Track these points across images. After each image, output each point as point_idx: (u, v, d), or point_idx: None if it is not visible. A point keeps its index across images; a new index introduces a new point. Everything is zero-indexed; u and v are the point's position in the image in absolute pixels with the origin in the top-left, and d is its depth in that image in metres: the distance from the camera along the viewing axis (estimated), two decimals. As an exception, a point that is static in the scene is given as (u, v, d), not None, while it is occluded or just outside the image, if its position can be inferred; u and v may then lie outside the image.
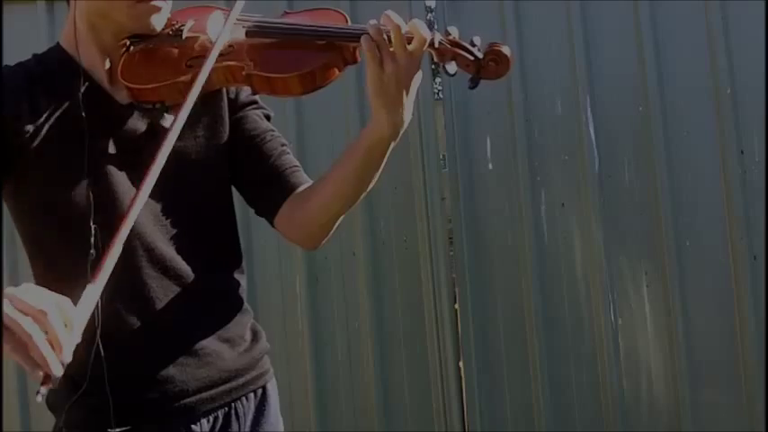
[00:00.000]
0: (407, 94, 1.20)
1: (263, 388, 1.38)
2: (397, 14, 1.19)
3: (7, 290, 0.95)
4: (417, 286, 2.73)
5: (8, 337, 0.92)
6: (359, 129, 2.73)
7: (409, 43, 1.18)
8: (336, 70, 1.25)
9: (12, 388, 2.67)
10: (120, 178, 1.25)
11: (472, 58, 1.20)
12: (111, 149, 1.26)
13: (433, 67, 2.86)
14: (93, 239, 1.19)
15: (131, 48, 1.27)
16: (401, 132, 1.24)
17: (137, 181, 1.25)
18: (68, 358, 0.93)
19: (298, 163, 1.42)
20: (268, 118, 1.44)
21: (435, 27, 2.85)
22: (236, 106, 1.39)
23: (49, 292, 0.97)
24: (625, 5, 2.73)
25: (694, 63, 2.71)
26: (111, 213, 1.22)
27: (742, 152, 2.69)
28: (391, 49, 1.17)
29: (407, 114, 1.22)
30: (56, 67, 1.28)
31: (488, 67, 1.21)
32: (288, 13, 1.34)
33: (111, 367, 1.21)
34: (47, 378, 0.91)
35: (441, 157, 2.81)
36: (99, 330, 1.19)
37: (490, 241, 2.75)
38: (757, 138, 2.68)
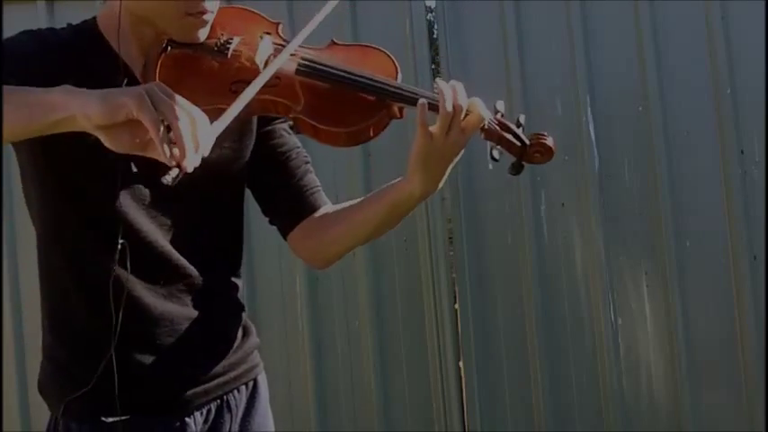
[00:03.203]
0: (448, 165, 1.22)
1: (254, 380, 1.41)
2: (464, 92, 1.19)
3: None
4: (417, 286, 2.73)
5: (155, 115, 0.93)
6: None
7: (463, 119, 1.19)
8: (382, 127, 1.23)
9: (12, 388, 2.67)
10: (141, 180, 1.24)
11: (519, 144, 1.22)
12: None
13: (433, 67, 2.86)
14: (117, 256, 1.19)
15: (169, 49, 1.23)
16: (429, 196, 1.26)
17: (158, 186, 1.26)
18: (197, 161, 0.96)
19: (319, 183, 1.43)
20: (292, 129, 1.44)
21: (436, 27, 2.85)
22: (265, 120, 1.39)
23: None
24: (625, 5, 2.73)
25: (694, 63, 2.71)
26: (131, 215, 1.23)
27: (742, 152, 2.69)
28: (449, 121, 1.17)
29: (441, 182, 1.24)
30: (93, 52, 1.24)
31: (533, 156, 1.25)
32: (335, 43, 1.30)
33: (108, 360, 1.22)
34: (179, 167, 0.94)
35: (441, 157, 2.80)
36: (118, 328, 1.19)
37: (490, 241, 2.75)
38: (757, 138, 2.68)
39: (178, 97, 0.98)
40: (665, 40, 2.72)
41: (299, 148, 1.43)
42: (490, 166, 2.75)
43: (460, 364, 2.74)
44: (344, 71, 1.22)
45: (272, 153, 1.39)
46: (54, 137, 1.04)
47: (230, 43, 1.24)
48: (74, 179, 1.23)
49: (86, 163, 1.20)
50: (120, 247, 1.19)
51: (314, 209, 1.39)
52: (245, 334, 1.42)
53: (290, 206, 1.40)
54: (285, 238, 1.43)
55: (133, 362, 1.26)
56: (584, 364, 2.71)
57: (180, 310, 1.30)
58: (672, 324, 2.68)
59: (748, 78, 2.68)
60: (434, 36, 2.95)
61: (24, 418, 2.70)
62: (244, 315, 1.43)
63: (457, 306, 2.76)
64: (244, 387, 1.39)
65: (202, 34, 1.25)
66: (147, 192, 1.26)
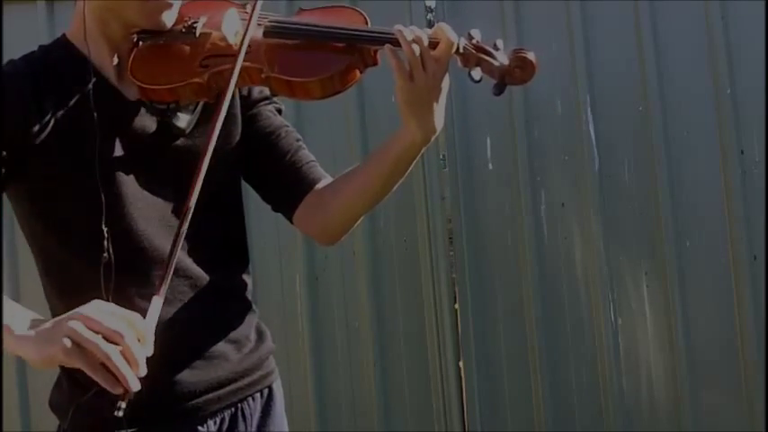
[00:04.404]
0: (437, 100, 1.18)
1: (269, 388, 1.38)
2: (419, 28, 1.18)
3: (77, 310, 1.00)
4: (417, 286, 2.73)
5: (87, 358, 0.98)
6: (359, 128, 2.73)
7: (434, 48, 1.16)
8: (357, 73, 1.22)
9: (12, 388, 2.67)
10: (127, 179, 1.24)
11: (497, 63, 1.18)
12: (120, 149, 1.24)
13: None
14: (106, 242, 1.18)
15: (140, 43, 1.25)
16: (433, 139, 1.22)
17: (145, 181, 1.25)
18: (143, 372, 1.00)
19: (314, 158, 1.41)
20: (280, 112, 1.42)
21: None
22: (249, 103, 1.38)
23: (119, 308, 1.03)
24: (625, 5, 2.73)
25: (694, 63, 2.71)
26: (119, 215, 1.22)
27: (742, 152, 2.68)
28: (418, 56, 1.15)
29: (439, 121, 1.20)
30: (63, 62, 1.26)
31: (514, 73, 1.19)
32: (303, 10, 1.31)
33: None
34: (125, 393, 0.98)
35: (441, 157, 2.81)
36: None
37: (490, 241, 2.75)
38: (757, 138, 2.68)
39: (101, 314, 1.00)
40: (665, 40, 2.72)
41: (287, 127, 1.41)
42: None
43: (460, 364, 2.74)
44: (311, 24, 1.24)
45: (261, 135, 1.37)
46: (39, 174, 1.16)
47: (197, 23, 1.26)
48: (53, 196, 1.22)
49: (64, 179, 1.21)
50: (104, 261, 1.17)
51: (313, 183, 1.37)
52: (260, 338, 1.39)
53: (289, 184, 1.37)
54: (291, 220, 1.40)
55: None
56: (585, 364, 2.70)
57: (183, 313, 1.26)
58: (672, 324, 2.68)
59: (748, 78, 2.68)
60: (434, 36, 2.95)
61: (24, 418, 2.70)
62: (256, 317, 1.40)
63: (457, 306, 2.76)
64: (258, 395, 1.35)
65: (168, 19, 1.25)
66: (132, 181, 1.24)
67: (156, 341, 1.23)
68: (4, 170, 1.18)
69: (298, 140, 1.41)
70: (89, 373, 0.98)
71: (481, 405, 2.71)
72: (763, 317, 2.62)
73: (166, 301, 1.23)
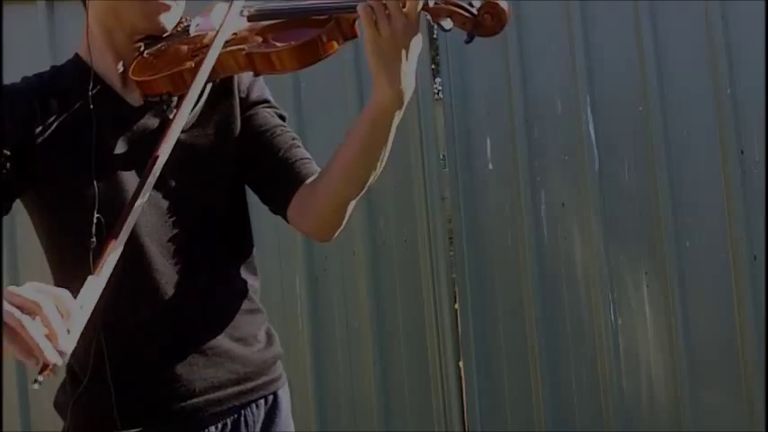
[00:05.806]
0: (407, 58, 1.17)
1: (275, 395, 1.37)
2: None
3: (7, 288, 0.97)
4: (417, 286, 2.73)
5: (5, 331, 0.94)
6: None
7: (404, 6, 1.15)
8: (335, 43, 1.24)
9: (12, 388, 2.67)
10: (129, 177, 1.25)
11: (468, 14, 1.17)
12: (121, 149, 1.26)
13: (433, 67, 2.86)
14: (94, 229, 1.18)
15: (145, 51, 1.28)
16: (405, 102, 1.20)
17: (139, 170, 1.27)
18: (66, 347, 0.95)
19: (309, 155, 1.39)
20: (281, 118, 1.41)
21: (435, 27, 2.84)
22: (247, 104, 1.38)
23: (49, 286, 0.99)
24: (625, 5, 2.74)
25: (694, 63, 2.72)
26: (119, 211, 1.22)
27: (742, 152, 2.69)
28: (387, 12, 1.13)
29: (409, 82, 1.18)
30: (70, 74, 1.30)
31: (485, 21, 1.17)
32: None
33: (117, 364, 1.21)
34: (44, 366, 0.93)
35: (441, 157, 2.81)
36: (100, 328, 1.18)
37: (490, 241, 2.75)
38: (757, 138, 2.69)
39: (25, 289, 0.97)
40: (665, 40, 2.72)
41: (283, 126, 1.40)
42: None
43: (460, 364, 2.74)
44: (291, 4, 1.28)
45: (256, 133, 1.37)
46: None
47: (190, 24, 1.31)
48: (55, 193, 1.24)
49: (64, 177, 1.23)
50: (91, 246, 1.17)
51: (304, 178, 1.34)
52: (269, 341, 1.38)
53: (280, 180, 1.35)
54: (287, 218, 1.37)
55: (138, 367, 1.24)
56: (585, 364, 2.71)
57: (186, 309, 1.26)
58: (672, 324, 2.68)
59: (748, 78, 2.68)
60: (434, 36, 2.95)
61: (24, 418, 2.70)
62: (265, 319, 1.39)
63: (457, 306, 2.76)
64: (263, 401, 1.34)
65: (167, 21, 1.28)
66: (134, 181, 1.24)
67: (157, 337, 1.24)
68: (9, 171, 1.20)
69: (293, 139, 1.40)
70: (7, 343, 0.94)
71: (481, 405, 2.72)
72: (763, 317, 2.62)
73: (167, 297, 1.25)
